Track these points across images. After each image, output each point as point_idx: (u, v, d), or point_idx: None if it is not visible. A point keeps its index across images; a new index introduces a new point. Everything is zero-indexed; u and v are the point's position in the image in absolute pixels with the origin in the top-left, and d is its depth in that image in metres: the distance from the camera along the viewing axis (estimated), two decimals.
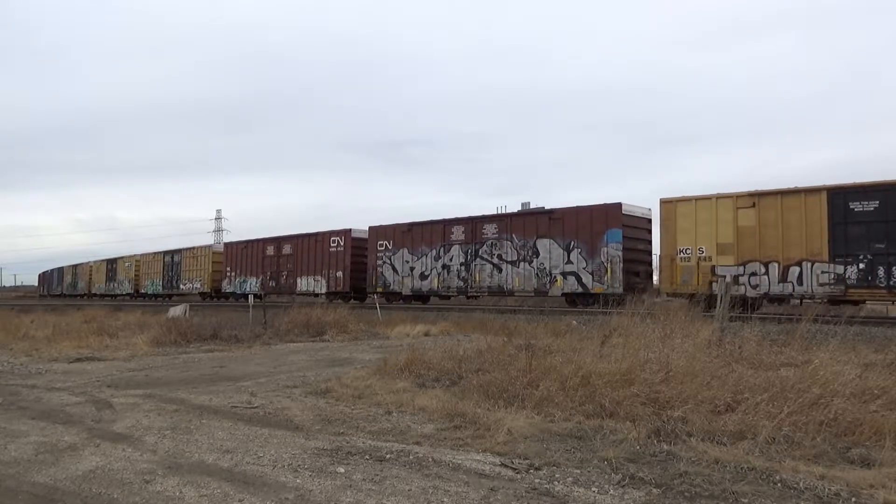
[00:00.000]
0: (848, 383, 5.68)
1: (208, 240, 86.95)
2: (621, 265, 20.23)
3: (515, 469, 4.44)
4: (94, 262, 57.27)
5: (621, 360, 6.81)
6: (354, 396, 7.12)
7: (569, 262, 21.53)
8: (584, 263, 21.10)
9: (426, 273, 25.96)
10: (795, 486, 3.97)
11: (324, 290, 30.20)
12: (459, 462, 4.60)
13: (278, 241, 33.63)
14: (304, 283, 31.53)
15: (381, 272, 27.58)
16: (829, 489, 3.91)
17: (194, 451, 4.98)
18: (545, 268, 22.16)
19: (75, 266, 62.20)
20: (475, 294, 24.88)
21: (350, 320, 16.62)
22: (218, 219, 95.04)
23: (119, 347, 13.03)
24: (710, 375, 6.18)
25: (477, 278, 24.14)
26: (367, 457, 4.77)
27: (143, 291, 46.86)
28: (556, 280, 21.71)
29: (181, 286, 41.97)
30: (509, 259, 23.28)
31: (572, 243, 21.51)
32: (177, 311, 20.56)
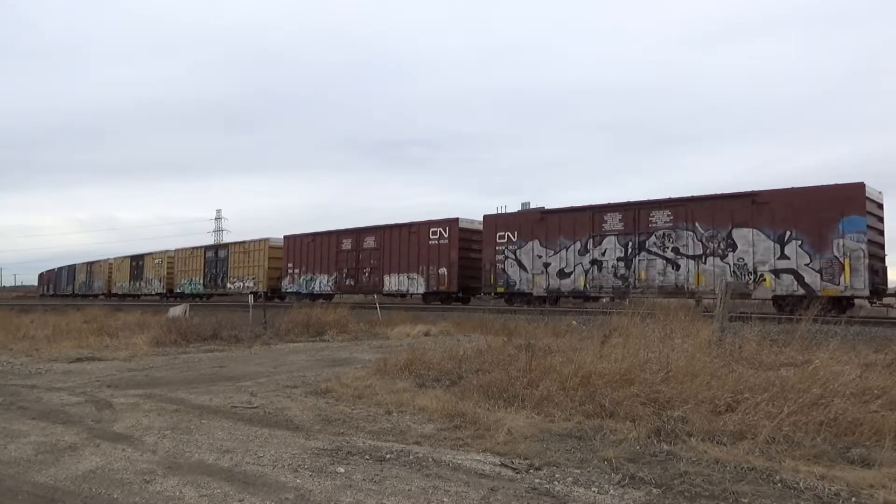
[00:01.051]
0: (848, 383, 5.68)
1: (208, 239, 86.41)
2: (865, 261, 16.27)
3: (515, 469, 4.44)
4: (116, 258, 52.50)
5: (621, 360, 6.81)
6: (354, 396, 7.12)
7: (783, 256, 17.41)
8: (806, 259, 17.01)
9: (567, 270, 21.39)
10: (795, 486, 3.97)
11: (421, 290, 26.00)
12: (459, 462, 4.60)
13: (358, 234, 28.98)
14: (393, 282, 27.20)
15: (503, 269, 23.01)
16: (829, 489, 3.91)
17: (194, 451, 4.98)
18: (746, 264, 17.97)
19: (90, 264, 57.09)
20: (638, 295, 19.51)
21: (350, 320, 16.64)
22: (218, 219, 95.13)
23: (119, 347, 13.02)
24: (710, 375, 6.19)
25: (643, 276, 19.86)
26: (367, 457, 4.77)
27: (178, 291, 41.49)
28: (765, 279, 17.68)
29: (228, 285, 37.04)
30: (691, 253, 19.07)
31: (788, 234, 17.29)
32: (177, 311, 20.55)
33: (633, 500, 3.83)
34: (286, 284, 32.32)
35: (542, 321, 15.21)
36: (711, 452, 4.56)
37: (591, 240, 21.02)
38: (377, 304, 21.92)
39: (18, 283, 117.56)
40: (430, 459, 4.67)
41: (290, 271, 32.22)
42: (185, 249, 42.44)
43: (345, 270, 29.37)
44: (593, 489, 4.03)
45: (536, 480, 4.20)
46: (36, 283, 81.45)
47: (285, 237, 33.06)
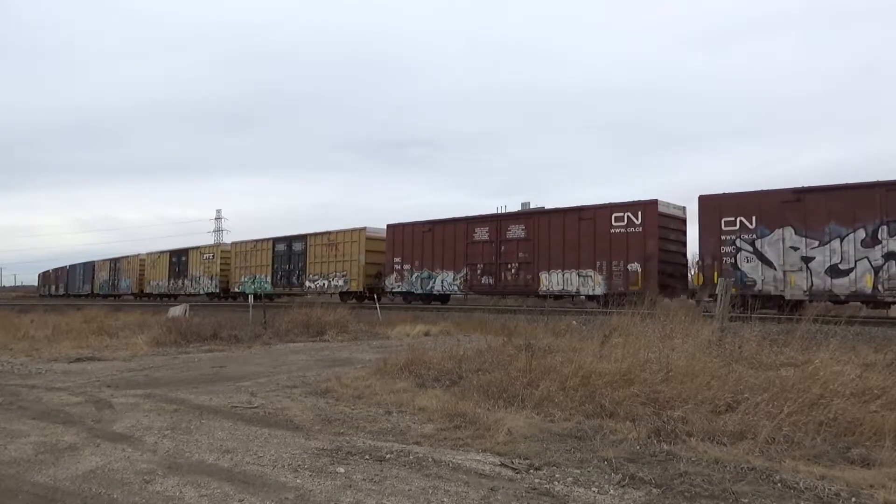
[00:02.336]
0: (848, 383, 5.69)
1: (208, 239, 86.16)
2: None
3: (515, 469, 4.44)
4: (149, 254, 47.03)
5: (621, 360, 6.82)
6: (354, 396, 7.12)
7: None
8: None
9: (842, 267, 16.38)
10: (795, 486, 3.97)
11: (599, 290, 20.34)
12: (459, 462, 4.60)
13: (498, 221, 23.55)
14: (553, 280, 21.64)
15: (736, 263, 17.75)
16: (829, 489, 3.91)
17: (194, 451, 4.98)
18: None
19: (115, 260, 51.57)
20: None
21: (350, 320, 16.64)
22: (218, 219, 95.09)
23: (119, 347, 13.03)
24: (710, 375, 6.19)
25: None
26: (367, 457, 4.77)
27: (237, 290, 35.88)
28: None
29: (307, 283, 31.15)
30: None
31: None
32: (177, 311, 20.57)
33: (633, 500, 3.83)
34: (391, 283, 26.88)
35: (541, 321, 15.22)
36: (711, 452, 4.56)
37: (883, 227, 15.80)
38: (377, 305, 21.92)
39: (18, 283, 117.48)
40: (430, 459, 4.67)
41: (398, 267, 26.53)
42: (246, 242, 36.47)
43: (479, 266, 23.80)
44: (593, 489, 4.03)
45: (536, 480, 4.20)
46: (36, 283, 79.56)
47: (389, 226, 27.60)
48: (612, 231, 20.39)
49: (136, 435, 5.52)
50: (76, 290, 57.72)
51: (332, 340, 14.41)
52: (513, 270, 23.00)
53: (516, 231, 23.11)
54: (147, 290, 45.71)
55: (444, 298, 26.60)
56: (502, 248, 23.35)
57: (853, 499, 3.78)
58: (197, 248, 41.75)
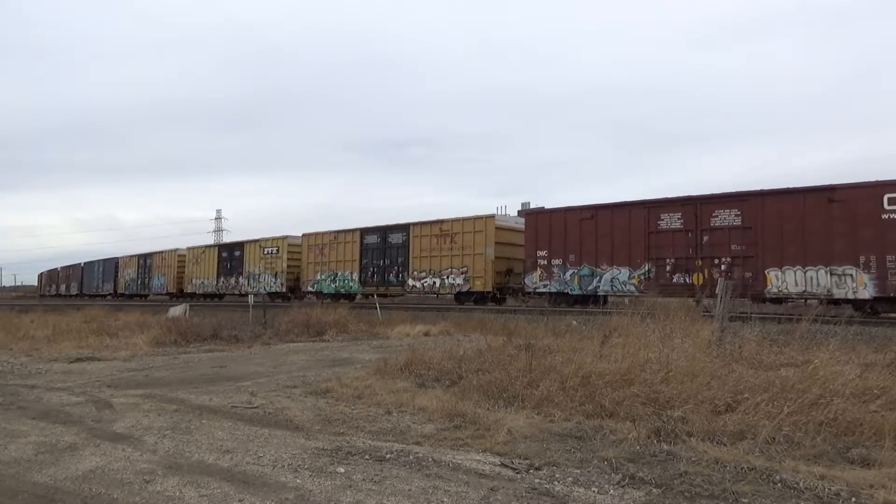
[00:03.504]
0: (848, 383, 5.68)
1: (208, 239, 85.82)
2: None
3: (515, 469, 4.44)
4: (192, 248, 41.00)
5: (621, 360, 6.82)
6: (354, 396, 7.12)
7: None
8: None
9: None
10: (795, 486, 3.97)
11: (866, 293, 15.95)
12: (459, 462, 4.60)
13: (698, 206, 18.63)
14: (787, 280, 16.96)
15: None
16: (829, 489, 3.91)
17: (194, 451, 4.98)
18: None
19: (145, 256, 45.95)
20: None
21: (350, 320, 16.65)
22: (218, 219, 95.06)
23: (119, 347, 13.03)
24: (710, 375, 6.19)
25: None
26: (367, 457, 4.77)
27: (313, 290, 30.52)
28: None
29: (409, 281, 26.25)
30: None
31: None
32: (177, 311, 20.58)
33: (633, 500, 3.83)
34: (534, 281, 21.74)
35: (542, 321, 15.21)
36: (711, 452, 4.56)
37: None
38: (377, 305, 21.91)
39: (18, 283, 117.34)
40: (430, 459, 4.67)
41: (543, 262, 21.49)
42: (324, 234, 30.70)
43: (669, 261, 19.04)
44: (593, 489, 4.03)
45: (536, 480, 4.20)
46: (36, 283, 77.19)
47: (528, 213, 23.52)
48: (885, 217, 15.54)
49: (136, 435, 5.52)
50: (94, 289, 52.53)
51: (332, 340, 14.41)
52: (722, 267, 18.08)
53: (727, 217, 18.10)
54: (189, 289, 39.78)
55: (601, 300, 21.13)
56: (704, 238, 18.46)
57: (853, 499, 3.78)
58: (256, 241, 35.45)
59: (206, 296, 38.42)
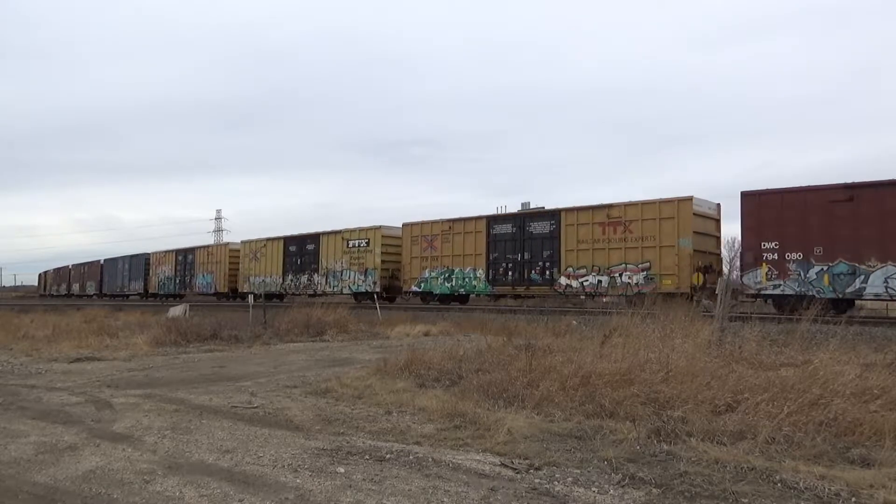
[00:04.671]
0: (848, 383, 5.68)
1: (208, 239, 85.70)
2: None
3: (515, 469, 4.44)
4: (248, 241, 35.45)
5: (621, 360, 6.82)
6: (354, 396, 7.12)
7: None
8: None
9: None
10: (795, 486, 3.97)
11: None
12: (459, 462, 4.60)
13: None
14: None
15: None
16: (829, 489, 3.91)
17: (194, 451, 4.98)
18: None
19: (185, 252, 40.65)
20: None
21: (350, 320, 16.65)
22: (218, 219, 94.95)
23: (119, 347, 13.03)
24: (710, 375, 6.19)
25: None
26: (367, 457, 4.77)
27: (416, 289, 26.04)
28: None
29: (563, 280, 21.50)
30: None
31: None
32: (177, 311, 20.58)
33: (633, 500, 3.83)
34: (757, 280, 17.07)
35: (542, 321, 15.22)
36: (711, 452, 4.56)
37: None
38: (377, 305, 21.91)
39: (18, 283, 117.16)
40: (430, 459, 4.67)
41: (772, 256, 16.90)
42: (427, 223, 25.98)
43: None
44: (593, 489, 4.03)
45: (536, 480, 4.20)
46: (36, 283, 75.03)
47: (747, 195, 17.48)
48: None
49: (136, 435, 5.52)
50: (118, 289, 47.94)
51: (332, 340, 14.41)
52: None
53: None
54: (245, 288, 34.29)
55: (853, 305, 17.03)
56: None
57: (853, 499, 3.78)
58: (336, 232, 30.06)
59: (266, 296, 31.02)
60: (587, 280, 20.88)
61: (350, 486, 4.09)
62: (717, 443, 4.81)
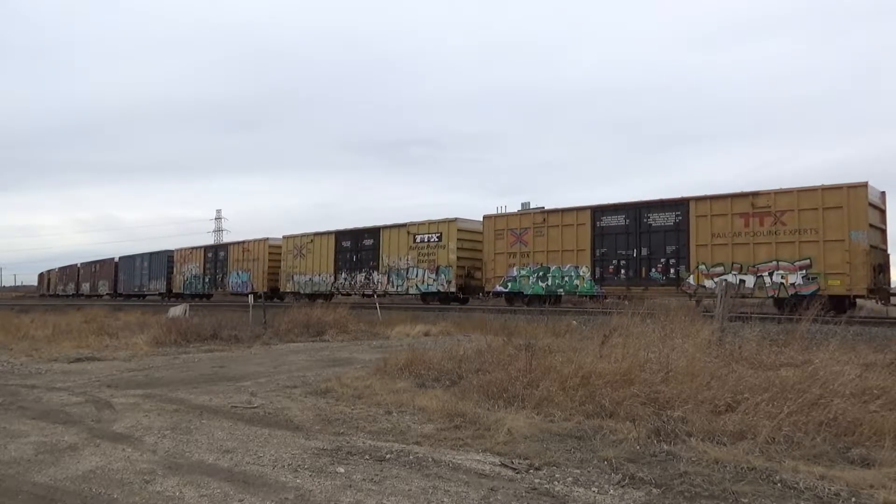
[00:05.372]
0: (848, 383, 5.69)
1: (208, 240, 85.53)
2: None
3: (515, 469, 4.44)
4: (291, 236, 32.04)
5: (621, 361, 6.82)
6: (354, 396, 7.12)
7: None
8: None
9: None
10: (795, 486, 3.97)
11: None
12: (459, 462, 4.60)
13: None
14: None
15: None
16: (829, 489, 3.91)
17: (194, 451, 4.98)
18: None
19: (216, 248, 38.19)
20: None
21: (350, 320, 16.64)
22: (218, 219, 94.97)
23: (119, 347, 13.03)
24: (710, 375, 6.19)
25: None
26: (367, 457, 4.77)
27: (504, 289, 23.09)
28: None
29: (689, 279, 18.73)
30: None
31: None
32: (177, 311, 20.56)
33: (633, 500, 3.83)
34: None
35: (542, 321, 15.21)
36: (711, 452, 4.56)
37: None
38: (377, 304, 21.91)
39: (18, 283, 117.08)
40: (430, 459, 4.67)
41: None
42: (515, 216, 23.49)
43: None
44: (593, 489, 4.03)
45: (536, 480, 4.20)
46: (36, 283, 74.42)
47: None
48: None
49: (136, 435, 5.52)
50: (136, 288, 45.19)
51: (332, 340, 14.41)
52: None
53: None
54: (289, 287, 31.83)
55: None
56: None
57: (853, 499, 3.78)
58: (401, 225, 26.86)
59: (314, 296, 29.12)
60: (727, 279, 17.51)
61: (350, 486, 4.09)
62: (717, 443, 4.81)
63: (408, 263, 26.36)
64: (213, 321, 15.96)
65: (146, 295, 44.66)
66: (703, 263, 18.48)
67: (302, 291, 30.72)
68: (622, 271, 20.32)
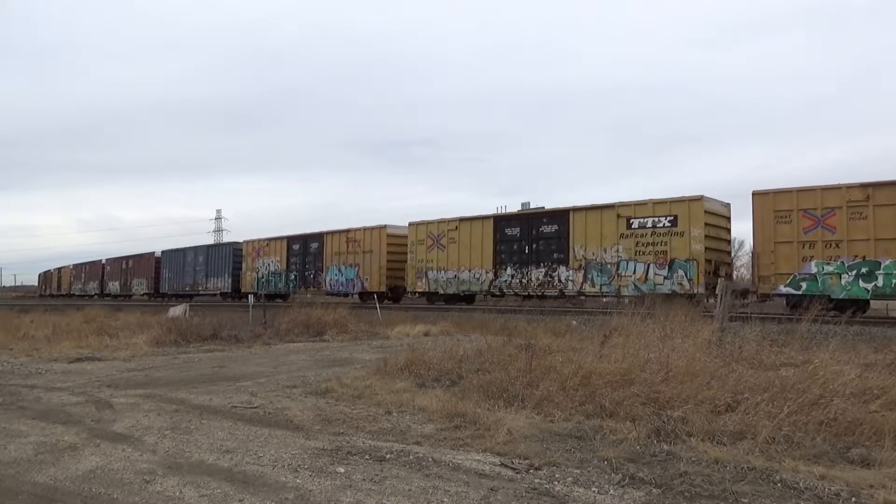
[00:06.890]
0: (848, 383, 5.69)
1: (208, 239, 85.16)
2: None
3: (515, 469, 4.44)
4: (418, 224, 26.03)
5: (621, 360, 6.82)
6: (354, 396, 7.12)
7: None
8: None
9: None
10: (795, 486, 3.97)
11: None
12: (459, 462, 4.60)
13: None
14: None
15: None
16: (829, 489, 3.91)
17: (194, 451, 4.98)
18: None
19: (305, 238, 31.38)
20: None
21: (350, 320, 16.65)
22: (218, 219, 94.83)
23: (119, 347, 13.03)
24: (709, 375, 6.19)
25: None
26: (367, 457, 4.77)
27: (783, 290, 16.51)
28: None
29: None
30: None
31: None
32: (177, 311, 20.57)
33: (633, 500, 3.84)
34: None
35: (541, 321, 15.22)
36: (711, 452, 4.57)
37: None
38: (377, 304, 21.91)
39: (18, 283, 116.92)
40: (430, 459, 4.67)
41: None
42: (805, 191, 16.42)
43: None
44: (593, 489, 4.03)
45: (536, 480, 4.20)
46: (36, 283, 73.21)
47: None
48: None
49: (136, 435, 5.52)
50: (186, 287, 39.15)
51: (332, 340, 14.41)
52: None
53: None
54: (420, 287, 25.96)
55: None
56: None
57: (853, 499, 3.78)
58: (608, 206, 20.64)
59: (462, 297, 24.53)
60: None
61: (350, 486, 4.09)
62: (717, 443, 4.81)
63: (614, 257, 20.18)
64: (213, 321, 15.97)
65: (200, 295, 38.13)
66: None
67: (442, 291, 24.95)
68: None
